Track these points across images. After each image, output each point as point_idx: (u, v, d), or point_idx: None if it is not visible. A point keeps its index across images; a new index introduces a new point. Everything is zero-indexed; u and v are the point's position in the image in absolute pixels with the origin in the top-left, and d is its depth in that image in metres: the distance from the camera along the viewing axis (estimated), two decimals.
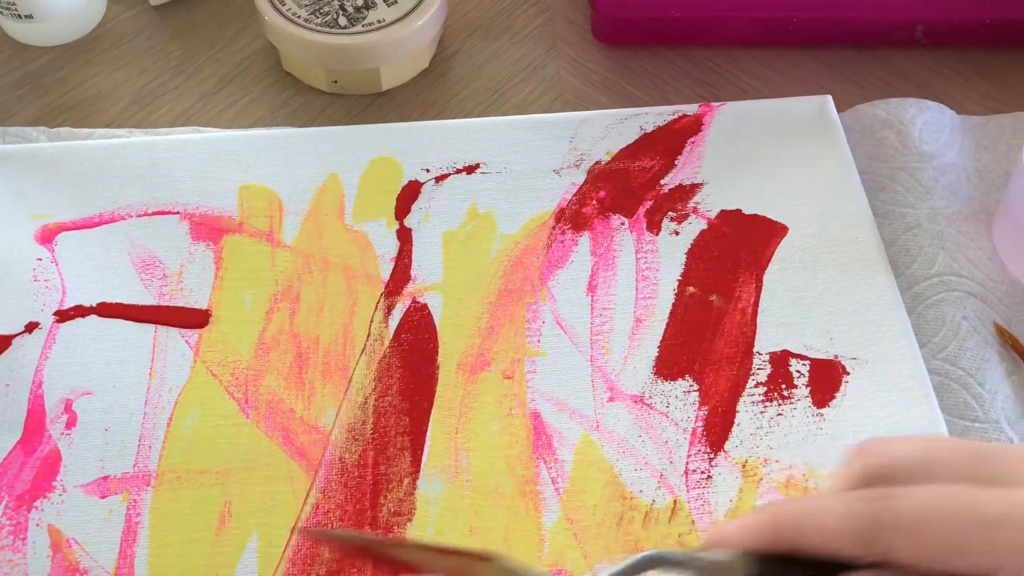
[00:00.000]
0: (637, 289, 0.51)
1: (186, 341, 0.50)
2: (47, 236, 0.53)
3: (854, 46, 0.63)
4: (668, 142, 0.57)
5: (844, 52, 0.63)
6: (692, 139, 0.57)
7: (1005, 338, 0.50)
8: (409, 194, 0.55)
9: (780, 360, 0.49)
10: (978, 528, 0.28)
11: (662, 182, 0.55)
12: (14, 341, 0.49)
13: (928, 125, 0.57)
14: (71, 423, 0.47)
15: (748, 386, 0.48)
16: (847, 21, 0.62)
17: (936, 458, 0.30)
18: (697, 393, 0.48)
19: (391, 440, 0.47)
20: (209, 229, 0.53)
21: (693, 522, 0.45)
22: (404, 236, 0.53)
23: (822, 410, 0.48)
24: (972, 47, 0.63)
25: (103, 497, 0.45)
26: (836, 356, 0.49)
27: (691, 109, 0.58)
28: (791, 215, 0.54)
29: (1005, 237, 0.53)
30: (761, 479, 0.46)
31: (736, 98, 0.60)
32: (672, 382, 0.49)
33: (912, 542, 0.28)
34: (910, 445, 0.31)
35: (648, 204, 0.54)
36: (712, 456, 0.46)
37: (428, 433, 0.47)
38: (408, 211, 0.54)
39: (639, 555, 0.31)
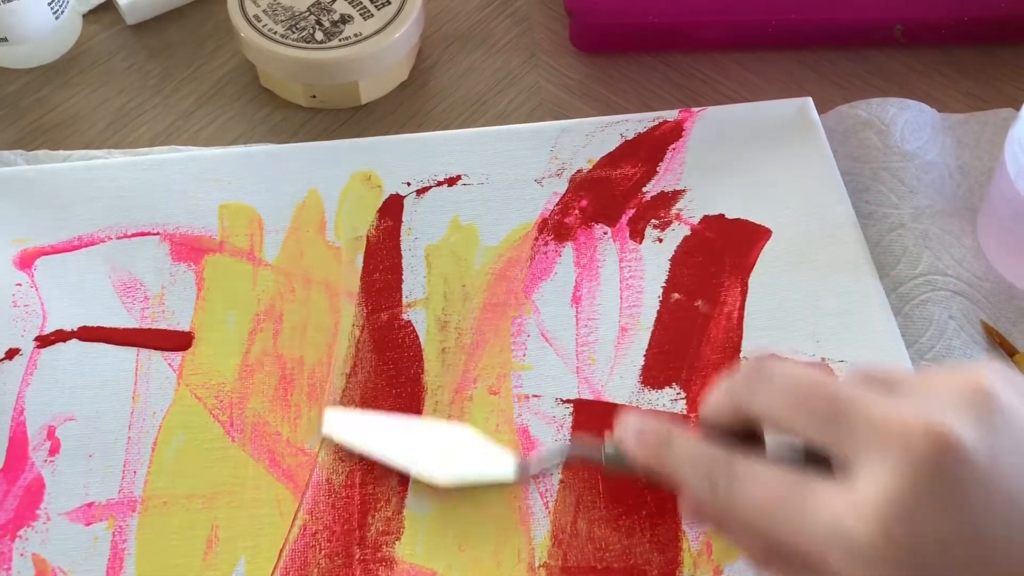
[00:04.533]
0: (622, 298, 0.51)
1: (169, 364, 0.49)
2: (26, 261, 0.52)
3: (833, 47, 0.63)
4: (649, 149, 0.56)
5: (824, 53, 0.63)
6: (673, 145, 0.56)
7: (992, 336, 0.50)
8: (390, 208, 0.54)
9: None
10: None
11: (644, 189, 0.55)
12: None
13: (909, 124, 0.56)
14: (54, 450, 0.47)
15: None
16: (826, 22, 0.61)
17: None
18: (684, 401, 0.48)
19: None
20: (189, 249, 0.53)
21: (683, 529, 0.44)
22: None
23: None
24: (951, 45, 0.62)
25: (88, 524, 0.45)
26: (823, 359, 0.49)
27: (672, 115, 0.58)
28: (774, 218, 0.54)
29: (989, 234, 0.53)
30: None
31: (716, 102, 0.59)
32: (659, 391, 0.48)
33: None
34: (774, 401, 0.36)
35: (631, 212, 0.54)
36: None
37: None
38: None
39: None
